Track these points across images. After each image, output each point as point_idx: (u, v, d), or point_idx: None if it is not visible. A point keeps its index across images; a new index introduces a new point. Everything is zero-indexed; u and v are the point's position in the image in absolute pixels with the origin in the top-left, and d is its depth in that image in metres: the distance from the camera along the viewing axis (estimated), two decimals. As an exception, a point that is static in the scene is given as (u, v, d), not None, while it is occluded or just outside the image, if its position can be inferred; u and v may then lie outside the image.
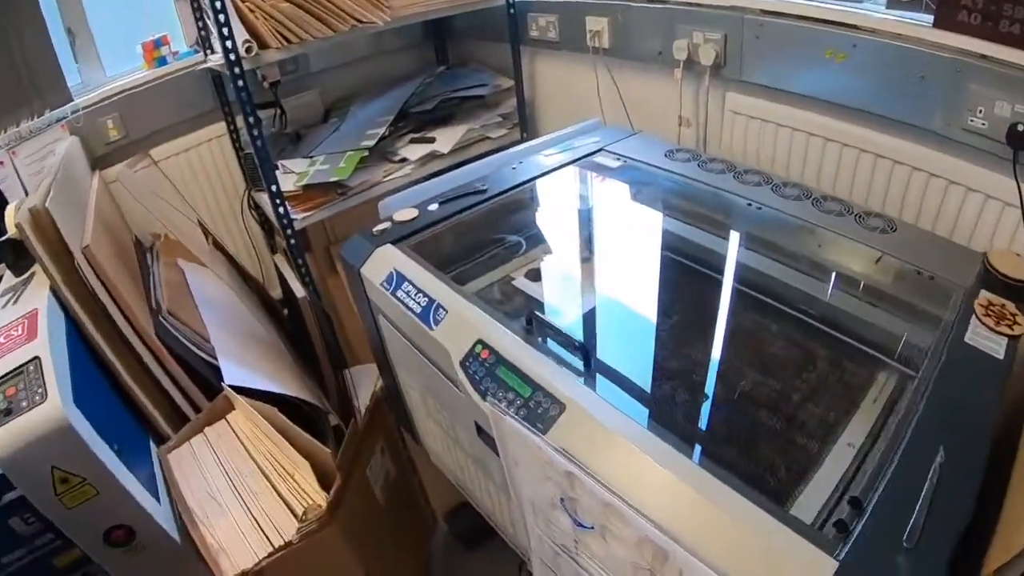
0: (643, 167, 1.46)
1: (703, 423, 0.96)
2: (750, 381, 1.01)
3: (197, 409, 1.40)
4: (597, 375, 0.99)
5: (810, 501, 0.77)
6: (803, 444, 0.88)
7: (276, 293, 2.12)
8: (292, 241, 1.72)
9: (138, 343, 1.31)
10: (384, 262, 1.15)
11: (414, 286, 1.07)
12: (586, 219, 1.50)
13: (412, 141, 1.99)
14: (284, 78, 1.97)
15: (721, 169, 1.38)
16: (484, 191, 1.33)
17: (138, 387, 1.30)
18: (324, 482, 1.14)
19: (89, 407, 1.07)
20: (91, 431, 1.04)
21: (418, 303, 1.05)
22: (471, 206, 1.29)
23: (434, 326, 1.01)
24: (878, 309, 1.07)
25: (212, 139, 2.04)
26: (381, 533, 1.34)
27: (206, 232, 1.81)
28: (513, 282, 1.27)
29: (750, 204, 1.26)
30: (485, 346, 0.94)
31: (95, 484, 1.04)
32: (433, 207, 1.29)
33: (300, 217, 1.71)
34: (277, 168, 1.81)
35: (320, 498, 1.11)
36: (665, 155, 1.47)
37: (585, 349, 0.91)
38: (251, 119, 1.58)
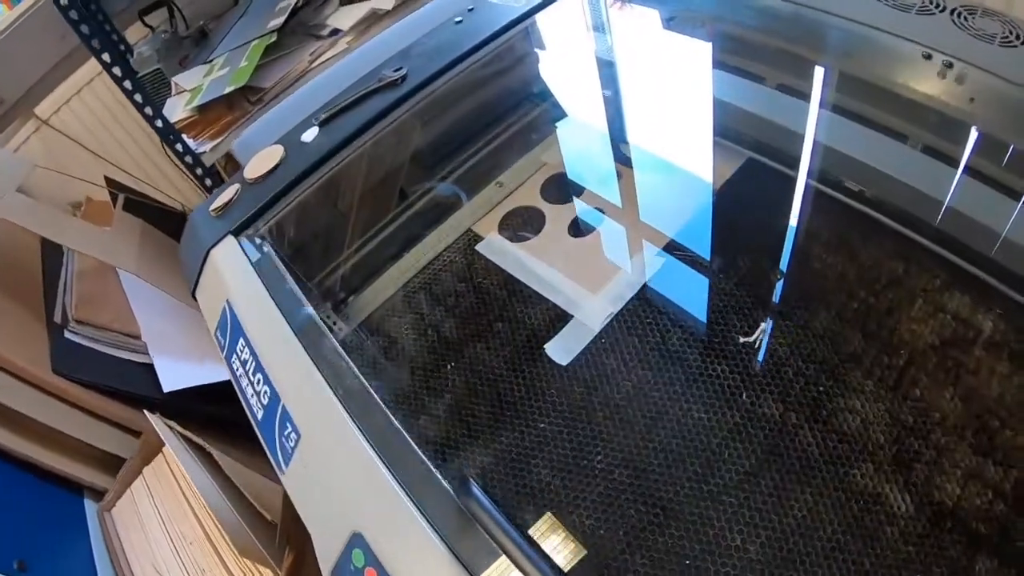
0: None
1: None
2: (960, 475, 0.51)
3: (136, 433, 1.13)
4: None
5: None
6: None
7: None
8: (208, 181, 1.31)
9: (29, 397, 1.01)
10: (218, 282, 0.63)
11: (252, 352, 0.56)
12: (593, 107, 0.90)
13: (343, 3, 1.47)
14: (171, -37, 1.47)
15: None
16: (401, 80, 0.80)
17: (47, 450, 1.02)
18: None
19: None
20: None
21: (258, 398, 0.55)
22: (378, 117, 0.75)
23: (284, 465, 0.52)
24: None
25: (102, 70, 1.60)
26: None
27: (116, 192, 1.43)
28: (478, 246, 0.75)
29: (929, 56, 0.65)
30: (369, 557, 0.45)
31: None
32: (309, 135, 0.74)
33: (208, 149, 1.27)
34: (171, 89, 1.37)
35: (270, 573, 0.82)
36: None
37: None
38: (94, 43, 1.14)
